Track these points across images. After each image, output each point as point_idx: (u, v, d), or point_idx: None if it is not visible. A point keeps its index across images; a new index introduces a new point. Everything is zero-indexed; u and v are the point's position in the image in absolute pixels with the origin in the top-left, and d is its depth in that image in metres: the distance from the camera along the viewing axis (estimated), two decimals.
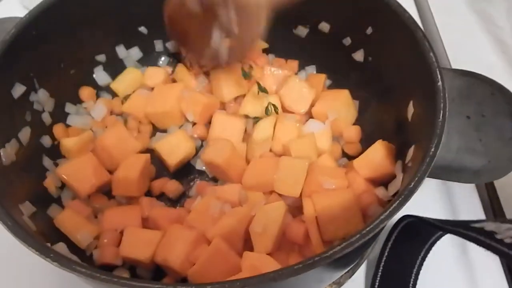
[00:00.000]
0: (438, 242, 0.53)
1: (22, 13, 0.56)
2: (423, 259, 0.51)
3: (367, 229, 0.36)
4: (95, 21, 0.65)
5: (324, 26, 0.71)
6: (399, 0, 0.56)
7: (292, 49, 0.76)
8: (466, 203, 0.67)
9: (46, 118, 0.63)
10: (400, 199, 0.38)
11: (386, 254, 0.51)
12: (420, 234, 0.50)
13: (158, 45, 0.77)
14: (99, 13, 0.65)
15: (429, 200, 0.67)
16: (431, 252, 0.53)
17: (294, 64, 0.77)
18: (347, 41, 0.69)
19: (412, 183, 0.39)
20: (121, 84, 0.74)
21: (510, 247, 0.34)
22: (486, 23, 0.98)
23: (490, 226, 0.38)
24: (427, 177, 0.49)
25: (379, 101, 0.66)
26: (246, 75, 0.70)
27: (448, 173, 0.47)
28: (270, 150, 0.66)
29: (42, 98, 0.61)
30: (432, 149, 0.41)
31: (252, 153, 0.66)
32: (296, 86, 0.70)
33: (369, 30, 0.64)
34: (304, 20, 0.74)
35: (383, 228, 0.44)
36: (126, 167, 0.62)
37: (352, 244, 0.35)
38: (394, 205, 0.38)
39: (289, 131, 0.66)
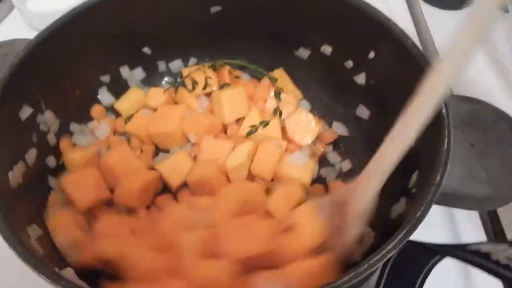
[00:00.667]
0: (439, 266, 0.53)
1: (27, 32, 0.57)
2: (422, 285, 0.50)
3: (375, 258, 0.36)
4: (101, 42, 0.66)
5: (326, 49, 0.72)
6: (399, 21, 0.57)
7: (293, 70, 0.78)
8: (468, 226, 0.67)
9: (52, 138, 0.64)
10: (408, 227, 0.39)
11: (383, 282, 0.51)
12: (417, 259, 0.50)
13: (161, 65, 0.78)
14: (105, 35, 0.66)
15: (430, 223, 0.66)
16: (433, 277, 0.53)
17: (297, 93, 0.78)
18: (349, 64, 0.70)
19: (419, 212, 0.39)
20: (125, 104, 0.75)
21: (505, 268, 0.35)
22: (485, 46, 0.99)
23: (486, 248, 0.38)
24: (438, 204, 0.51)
25: (378, 123, 0.67)
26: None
27: (453, 200, 0.48)
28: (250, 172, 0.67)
29: (49, 119, 0.62)
30: (438, 178, 0.42)
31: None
32: (303, 119, 0.71)
33: (371, 55, 0.65)
34: (306, 42, 0.75)
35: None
36: (131, 178, 0.62)
37: (359, 274, 0.35)
38: (402, 233, 0.38)
39: (271, 156, 0.66)
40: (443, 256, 0.47)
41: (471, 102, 0.54)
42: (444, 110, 0.47)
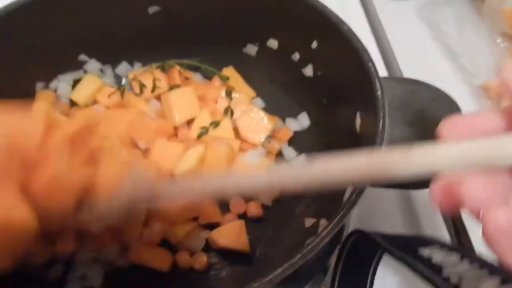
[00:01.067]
0: None
1: None
2: (372, 279, 0.50)
3: (308, 248, 0.35)
4: (29, 50, 0.64)
5: (273, 43, 0.72)
6: (351, 13, 0.57)
7: (243, 67, 0.76)
8: (428, 218, 0.67)
9: None
10: (343, 210, 0.38)
11: (338, 275, 0.50)
12: (368, 249, 0.49)
13: (108, 71, 0.76)
14: (33, 43, 0.63)
15: (390, 214, 0.67)
16: None
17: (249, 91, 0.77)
18: (296, 56, 0.70)
19: (354, 195, 0.39)
20: (82, 93, 0.72)
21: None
22: (435, 31, 1.01)
23: (438, 256, 0.37)
24: (375, 187, 0.50)
25: (329, 113, 0.67)
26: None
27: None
28: None
29: None
30: None
31: None
32: (255, 116, 0.70)
33: (314, 44, 0.64)
34: (252, 38, 0.74)
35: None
36: None
37: (294, 265, 0.34)
38: (338, 217, 0.37)
39: (221, 158, 0.65)
40: (394, 257, 0.45)
41: (411, 83, 0.54)
42: (379, 92, 0.47)
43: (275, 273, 0.34)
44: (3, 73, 0.60)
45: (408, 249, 0.40)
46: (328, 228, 0.36)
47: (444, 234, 0.65)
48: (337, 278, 0.50)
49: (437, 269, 0.35)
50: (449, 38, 0.99)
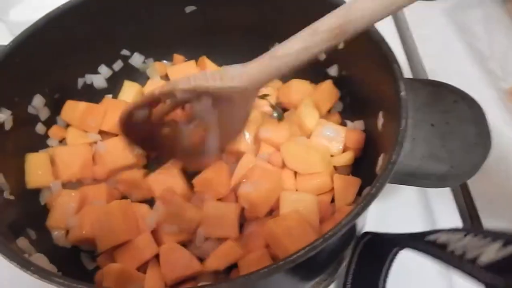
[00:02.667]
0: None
1: (9, 39, 0.59)
2: (386, 275, 0.51)
3: (334, 230, 0.38)
4: (77, 45, 0.68)
5: None
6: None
7: None
8: (444, 213, 0.68)
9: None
10: (363, 203, 0.40)
11: (351, 274, 0.51)
12: (381, 250, 0.50)
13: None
14: (80, 39, 0.68)
15: (407, 211, 0.69)
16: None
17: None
18: (322, 56, 0.72)
19: (374, 189, 0.41)
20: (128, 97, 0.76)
21: (460, 259, 0.34)
22: (464, 33, 1.01)
23: (442, 238, 0.38)
24: (396, 183, 0.52)
25: (354, 113, 0.69)
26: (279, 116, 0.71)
27: (414, 179, 0.49)
28: None
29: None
30: (394, 156, 0.43)
31: None
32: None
33: (340, 45, 0.66)
34: (279, 37, 0.76)
35: (347, 240, 0.46)
36: None
37: (319, 245, 0.37)
38: (356, 209, 0.40)
39: None
40: (401, 247, 0.47)
41: (433, 85, 0.55)
42: (402, 93, 0.49)
43: (298, 253, 0.36)
44: (51, 65, 0.65)
45: (416, 238, 0.42)
46: (350, 216, 0.39)
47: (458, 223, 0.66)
48: (351, 272, 0.52)
49: (442, 246, 0.37)
50: (477, 41, 0.99)
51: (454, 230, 0.38)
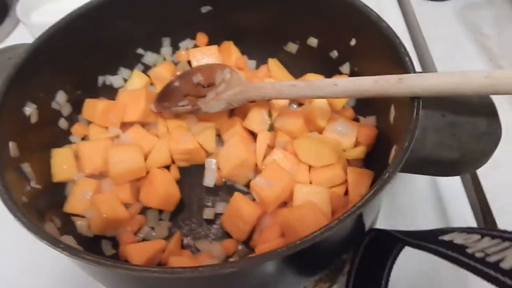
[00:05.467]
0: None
1: (31, 41, 0.62)
2: (389, 273, 0.51)
3: (344, 215, 0.39)
4: (98, 44, 0.71)
5: (313, 41, 0.76)
6: (389, 14, 0.60)
7: (284, 64, 0.81)
8: (456, 207, 0.69)
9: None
10: (374, 188, 0.41)
11: (355, 271, 0.51)
12: (385, 248, 0.50)
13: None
14: (101, 40, 0.71)
15: (419, 207, 0.70)
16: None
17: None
18: (334, 54, 0.74)
19: (387, 174, 0.42)
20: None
21: (482, 263, 0.33)
22: (474, 32, 1.02)
23: (459, 239, 0.37)
24: (407, 172, 0.53)
25: (367, 109, 0.70)
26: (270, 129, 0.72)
27: (425, 167, 0.50)
28: None
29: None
30: (406, 143, 0.45)
31: None
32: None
33: (352, 42, 0.68)
34: (293, 37, 0.79)
35: (356, 232, 0.47)
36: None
37: (334, 226, 0.38)
38: (369, 194, 0.41)
39: None
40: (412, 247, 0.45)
41: None
42: None
43: (315, 233, 0.38)
44: (72, 65, 0.68)
45: (428, 238, 0.41)
46: (364, 199, 0.40)
47: (472, 224, 0.67)
48: (354, 269, 0.52)
49: (460, 248, 0.36)
50: (488, 40, 1.00)
51: (469, 231, 0.37)
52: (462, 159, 0.49)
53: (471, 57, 0.98)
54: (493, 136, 0.49)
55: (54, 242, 0.39)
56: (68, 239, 0.52)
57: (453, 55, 0.97)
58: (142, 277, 0.40)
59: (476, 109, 0.52)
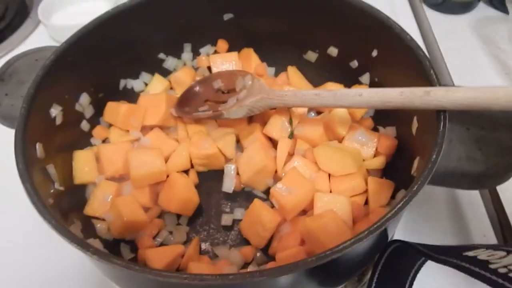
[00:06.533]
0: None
1: (51, 44, 0.63)
2: (411, 286, 0.51)
3: (374, 227, 0.39)
4: (121, 47, 0.71)
5: (333, 51, 0.77)
6: (405, 26, 0.61)
7: (303, 72, 0.82)
8: (475, 222, 0.69)
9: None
10: (404, 200, 0.42)
11: (375, 280, 0.51)
12: (407, 259, 0.50)
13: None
14: (124, 44, 0.71)
15: (438, 218, 0.70)
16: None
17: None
18: (354, 64, 0.74)
19: (416, 186, 0.43)
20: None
21: (504, 278, 0.33)
22: (489, 46, 1.02)
23: (484, 255, 0.37)
24: (433, 184, 0.53)
25: (386, 119, 0.71)
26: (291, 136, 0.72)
27: (450, 180, 0.51)
28: None
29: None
30: (434, 156, 0.45)
31: None
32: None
33: (374, 53, 0.69)
34: (313, 45, 0.79)
35: (378, 245, 0.47)
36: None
37: (360, 240, 0.38)
38: (398, 205, 0.41)
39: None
40: (432, 260, 0.45)
41: None
42: None
43: (338, 247, 0.38)
44: (96, 68, 0.69)
45: (452, 253, 0.41)
46: (391, 213, 0.40)
47: (491, 237, 0.67)
48: (375, 279, 0.51)
49: (483, 264, 0.36)
50: (503, 53, 1.00)
51: (495, 248, 0.37)
52: (487, 173, 0.49)
53: (487, 70, 0.99)
54: None
55: (84, 246, 0.40)
56: (96, 243, 0.52)
57: (469, 69, 0.97)
58: (167, 283, 0.40)
59: (500, 123, 0.52)
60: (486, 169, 0.49)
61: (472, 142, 0.51)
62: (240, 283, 0.37)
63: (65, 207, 0.57)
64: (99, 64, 0.69)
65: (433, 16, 1.09)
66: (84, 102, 0.68)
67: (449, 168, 0.50)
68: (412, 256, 0.50)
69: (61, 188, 0.58)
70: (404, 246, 0.50)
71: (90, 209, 0.63)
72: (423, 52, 0.57)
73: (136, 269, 0.37)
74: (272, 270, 0.38)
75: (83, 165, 0.65)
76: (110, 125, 0.73)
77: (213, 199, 0.71)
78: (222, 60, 0.79)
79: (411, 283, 0.51)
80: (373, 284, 0.53)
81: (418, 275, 0.51)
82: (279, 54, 0.82)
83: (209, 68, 0.81)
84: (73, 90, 0.66)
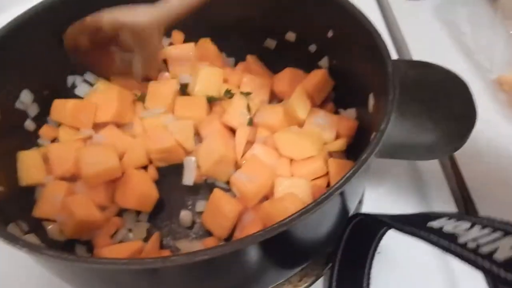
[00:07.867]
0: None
1: None
2: (372, 257, 0.50)
3: (321, 198, 0.38)
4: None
5: (291, 36, 0.76)
6: (367, 12, 0.60)
7: (264, 60, 0.80)
8: (438, 196, 0.68)
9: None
10: (352, 170, 0.40)
11: (339, 257, 0.50)
12: (369, 231, 0.50)
13: None
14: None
15: (400, 196, 0.69)
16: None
17: None
18: (313, 48, 0.74)
19: (364, 155, 0.41)
20: None
21: (475, 253, 0.32)
22: (451, 29, 1.03)
23: (449, 226, 0.36)
24: (385, 157, 0.52)
25: (346, 101, 0.70)
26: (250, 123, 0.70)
27: (403, 151, 0.50)
28: None
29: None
30: (382, 125, 0.44)
31: None
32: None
33: (330, 33, 0.68)
34: (271, 33, 0.78)
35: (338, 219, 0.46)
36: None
37: (307, 211, 0.37)
38: (346, 176, 0.40)
39: None
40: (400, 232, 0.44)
41: (422, 65, 0.56)
42: (390, 69, 0.50)
43: (290, 218, 0.36)
44: (37, 64, 0.65)
45: (417, 223, 0.40)
46: (339, 183, 0.39)
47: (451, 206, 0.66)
48: (339, 255, 0.51)
49: (452, 237, 0.35)
50: (464, 36, 1.01)
51: (458, 217, 0.37)
52: (440, 142, 0.48)
53: (449, 53, 0.99)
54: (468, 118, 0.48)
55: (13, 239, 0.37)
56: (31, 238, 0.49)
57: (431, 52, 0.97)
58: (104, 270, 0.38)
59: (451, 93, 0.52)
60: (438, 138, 0.48)
61: (425, 114, 0.50)
62: (182, 263, 0.35)
63: (9, 210, 0.54)
64: (40, 58, 0.65)
65: (395, 1, 1.09)
66: (26, 100, 0.64)
67: (401, 138, 0.50)
68: (374, 228, 0.50)
69: (1, 188, 0.55)
70: (366, 218, 0.50)
71: (39, 211, 0.59)
72: (373, 27, 0.56)
73: (68, 259, 0.35)
74: (217, 247, 0.36)
75: (29, 166, 0.61)
76: (59, 124, 0.69)
77: (175, 194, 0.68)
78: (178, 52, 0.77)
79: (373, 255, 0.51)
80: (337, 260, 0.52)
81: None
82: (237, 43, 0.80)
83: (165, 61, 0.79)
84: (11, 86, 0.63)
